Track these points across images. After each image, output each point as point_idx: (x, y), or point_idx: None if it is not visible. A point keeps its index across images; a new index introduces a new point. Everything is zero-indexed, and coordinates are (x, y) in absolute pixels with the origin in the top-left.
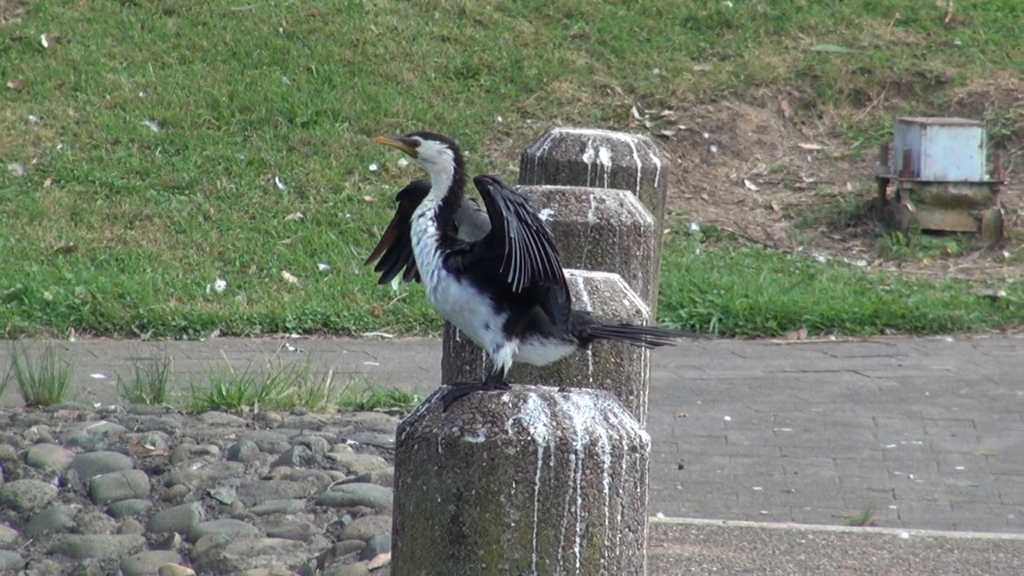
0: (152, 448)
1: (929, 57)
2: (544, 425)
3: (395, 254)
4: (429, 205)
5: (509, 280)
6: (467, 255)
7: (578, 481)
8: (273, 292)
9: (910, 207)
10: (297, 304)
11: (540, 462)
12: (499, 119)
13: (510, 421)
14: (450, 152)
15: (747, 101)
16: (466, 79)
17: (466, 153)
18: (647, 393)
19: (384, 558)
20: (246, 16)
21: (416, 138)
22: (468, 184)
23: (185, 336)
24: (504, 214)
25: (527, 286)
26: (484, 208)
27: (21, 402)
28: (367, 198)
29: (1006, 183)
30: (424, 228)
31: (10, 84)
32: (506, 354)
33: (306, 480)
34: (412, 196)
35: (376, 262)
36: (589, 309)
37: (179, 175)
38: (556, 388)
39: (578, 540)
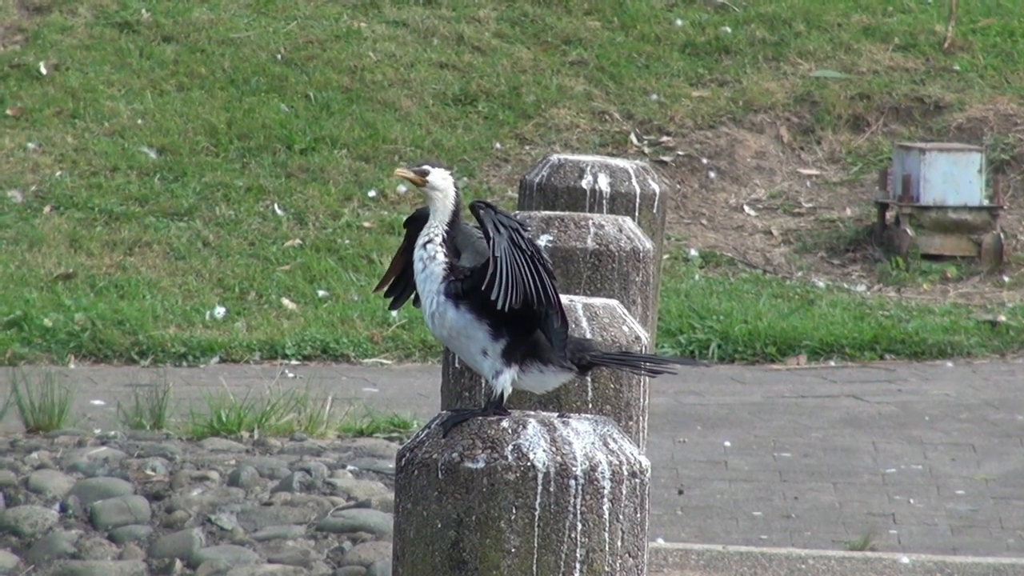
0: (152, 474)
1: (928, 82)
2: (544, 451)
3: (403, 280)
4: (436, 231)
5: (493, 297)
6: (466, 280)
7: (578, 507)
8: (272, 318)
9: (909, 232)
10: (296, 330)
11: (540, 488)
12: (497, 145)
13: (510, 447)
14: (451, 177)
15: (746, 127)
16: (464, 105)
17: (464, 179)
18: (646, 419)
19: None
20: (244, 43)
21: (426, 167)
22: (464, 209)
23: (184, 363)
24: (491, 235)
25: (517, 308)
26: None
27: (21, 428)
28: (366, 224)
29: (1005, 208)
30: (433, 255)
31: (9, 111)
32: (505, 380)
33: (306, 506)
34: (419, 223)
35: (385, 289)
36: (588, 335)
37: (178, 202)
38: (555, 414)
39: (578, 566)
